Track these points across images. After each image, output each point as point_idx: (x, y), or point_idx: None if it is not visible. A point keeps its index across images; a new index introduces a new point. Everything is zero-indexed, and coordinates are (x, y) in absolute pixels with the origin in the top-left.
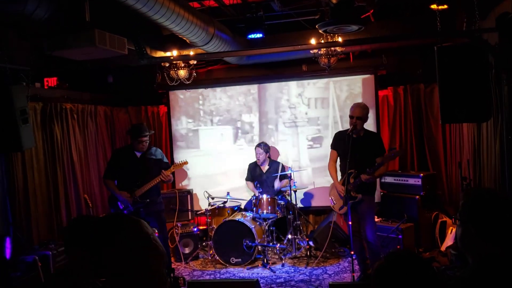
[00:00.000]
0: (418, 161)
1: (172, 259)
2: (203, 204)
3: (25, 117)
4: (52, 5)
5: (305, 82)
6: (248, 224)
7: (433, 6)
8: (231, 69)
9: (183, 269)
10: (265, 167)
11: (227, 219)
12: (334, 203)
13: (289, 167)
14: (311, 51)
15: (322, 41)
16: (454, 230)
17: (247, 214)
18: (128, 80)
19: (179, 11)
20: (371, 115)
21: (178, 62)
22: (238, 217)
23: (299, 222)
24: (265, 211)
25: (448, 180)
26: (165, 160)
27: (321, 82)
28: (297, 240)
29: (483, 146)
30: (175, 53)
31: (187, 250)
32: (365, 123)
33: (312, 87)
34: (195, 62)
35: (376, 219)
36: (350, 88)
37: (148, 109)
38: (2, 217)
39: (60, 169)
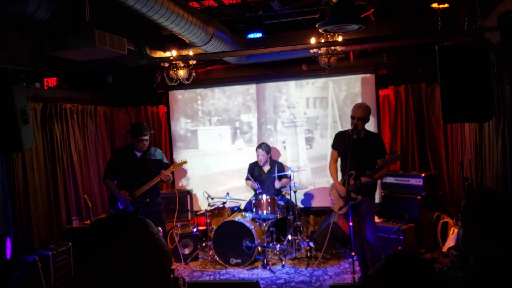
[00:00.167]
0: (419, 161)
1: (172, 260)
2: (202, 205)
3: (25, 118)
4: (53, 5)
5: (304, 81)
6: (247, 224)
7: (434, 5)
8: (231, 69)
9: (183, 269)
10: (267, 168)
11: (226, 219)
12: (334, 204)
13: (289, 167)
14: (311, 51)
15: (322, 41)
16: (455, 230)
17: (247, 215)
18: (128, 80)
19: (179, 11)
20: (372, 115)
21: (178, 62)
22: (237, 217)
23: (299, 223)
24: (264, 212)
25: (449, 180)
26: (165, 160)
27: (320, 82)
28: (297, 240)
29: (485, 146)
30: (174, 53)
31: (186, 251)
32: (366, 123)
33: (311, 87)
34: (194, 62)
35: (377, 220)
36: (349, 88)
37: (148, 109)
38: (2, 217)
39: (60, 169)
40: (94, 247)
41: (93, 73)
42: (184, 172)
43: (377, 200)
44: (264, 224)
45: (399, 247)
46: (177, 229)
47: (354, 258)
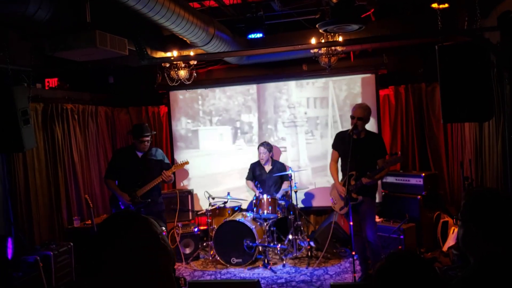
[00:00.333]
0: (419, 161)
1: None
2: (203, 204)
3: (26, 118)
4: (53, 6)
5: (304, 82)
6: (248, 224)
7: (434, 5)
8: (231, 69)
9: (184, 269)
10: (268, 167)
11: (227, 219)
12: (335, 203)
13: (290, 167)
14: (311, 51)
15: (323, 41)
16: (456, 230)
17: (248, 215)
18: (129, 81)
19: (179, 12)
20: (372, 115)
21: (179, 62)
22: (238, 217)
23: (300, 223)
24: (265, 212)
25: (450, 180)
26: (166, 160)
27: (320, 82)
28: (298, 240)
29: (485, 145)
30: (175, 53)
31: (187, 251)
32: (366, 123)
33: (312, 87)
34: (195, 62)
35: (378, 219)
36: (350, 88)
37: (149, 109)
38: (3, 217)
39: (61, 170)
40: (98, 246)
41: (94, 73)
42: (185, 172)
43: (377, 199)
44: (265, 224)
45: (400, 247)
46: (178, 229)
47: (355, 258)
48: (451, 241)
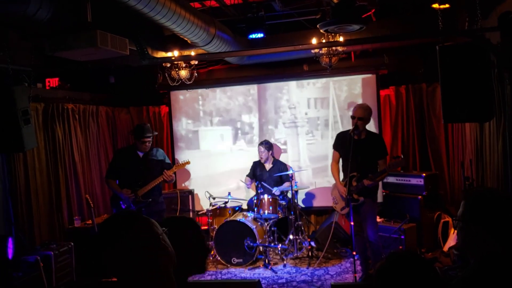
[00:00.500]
0: (420, 161)
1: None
2: (204, 204)
3: (27, 118)
4: (54, 5)
5: (305, 82)
6: (249, 224)
7: (435, 5)
8: (232, 69)
9: None
10: (269, 165)
11: (228, 219)
12: (336, 203)
13: (290, 167)
14: (312, 51)
15: (323, 41)
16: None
17: (248, 215)
18: (130, 81)
19: (180, 12)
20: (373, 115)
21: (179, 62)
22: (239, 217)
23: (300, 223)
24: (266, 212)
25: (450, 180)
26: (167, 161)
27: (320, 82)
28: (298, 240)
29: (486, 145)
30: (176, 53)
31: None
32: (367, 123)
33: (312, 87)
34: (196, 62)
35: (378, 219)
36: (350, 88)
37: (150, 109)
38: (4, 217)
39: (62, 170)
40: (99, 246)
41: (94, 73)
42: (186, 172)
43: (378, 199)
44: (266, 224)
45: (400, 247)
46: None
47: (356, 258)
48: (451, 241)
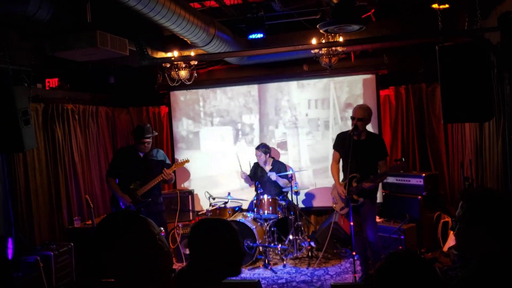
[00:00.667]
0: (420, 161)
1: (174, 260)
2: (204, 205)
3: (27, 118)
4: (54, 6)
5: (305, 82)
6: (249, 224)
7: (435, 6)
8: (232, 69)
9: None
10: (268, 168)
11: (228, 219)
12: (336, 203)
13: (290, 167)
14: (312, 51)
15: (323, 41)
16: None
17: (248, 215)
18: (129, 81)
19: (180, 12)
20: (373, 115)
21: (179, 62)
22: (239, 217)
23: (300, 223)
24: (266, 212)
25: (450, 180)
26: (168, 161)
27: (321, 83)
28: (298, 240)
29: (486, 145)
30: (176, 53)
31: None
32: (367, 124)
33: (313, 88)
34: (196, 62)
35: (378, 220)
36: (351, 89)
37: (150, 109)
38: (4, 217)
39: (61, 170)
40: (99, 246)
41: (94, 73)
42: (186, 173)
43: (378, 200)
44: (266, 224)
45: (400, 247)
46: (178, 229)
47: (355, 258)
48: (451, 241)
